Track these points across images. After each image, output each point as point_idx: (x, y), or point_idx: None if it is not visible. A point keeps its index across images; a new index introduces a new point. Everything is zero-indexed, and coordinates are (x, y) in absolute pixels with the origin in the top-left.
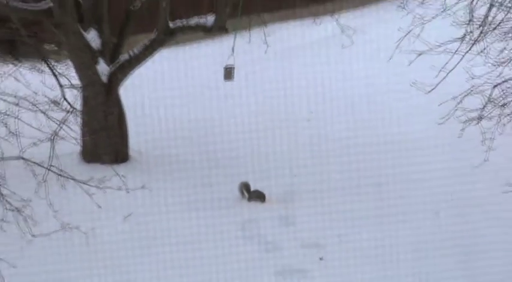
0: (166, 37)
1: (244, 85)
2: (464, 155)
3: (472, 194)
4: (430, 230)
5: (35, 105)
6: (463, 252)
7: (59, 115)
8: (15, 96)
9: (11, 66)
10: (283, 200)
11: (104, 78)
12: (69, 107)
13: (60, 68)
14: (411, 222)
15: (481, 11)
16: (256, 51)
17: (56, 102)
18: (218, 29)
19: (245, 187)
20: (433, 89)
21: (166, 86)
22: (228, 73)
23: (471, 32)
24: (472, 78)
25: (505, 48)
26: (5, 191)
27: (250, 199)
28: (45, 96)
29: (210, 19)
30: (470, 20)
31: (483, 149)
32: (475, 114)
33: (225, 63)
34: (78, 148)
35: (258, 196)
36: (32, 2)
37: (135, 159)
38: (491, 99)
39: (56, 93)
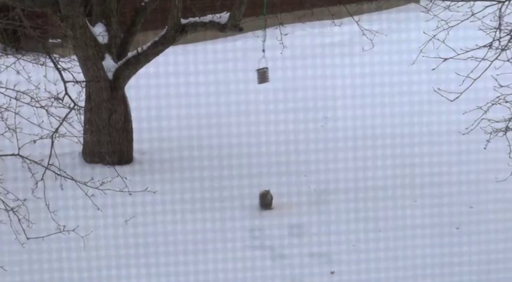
0: (177, 34)
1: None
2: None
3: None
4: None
5: (35, 101)
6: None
7: (61, 112)
8: (15, 90)
9: (12, 58)
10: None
11: (110, 75)
12: (71, 103)
13: (64, 62)
14: (431, 237)
15: (510, 18)
16: (273, 51)
17: (58, 98)
18: (232, 28)
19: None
20: (457, 97)
21: (174, 85)
22: (262, 75)
23: (500, 38)
24: (500, 87)
25: None
26: None
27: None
28: (47, 91)
29: (224, 17)
30: (499, 27)
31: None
32: (502, 125)
33: (258, 65)
34: (79, 147)
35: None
36: None
37: (139, 160)
38: None
39: (59, 88)
